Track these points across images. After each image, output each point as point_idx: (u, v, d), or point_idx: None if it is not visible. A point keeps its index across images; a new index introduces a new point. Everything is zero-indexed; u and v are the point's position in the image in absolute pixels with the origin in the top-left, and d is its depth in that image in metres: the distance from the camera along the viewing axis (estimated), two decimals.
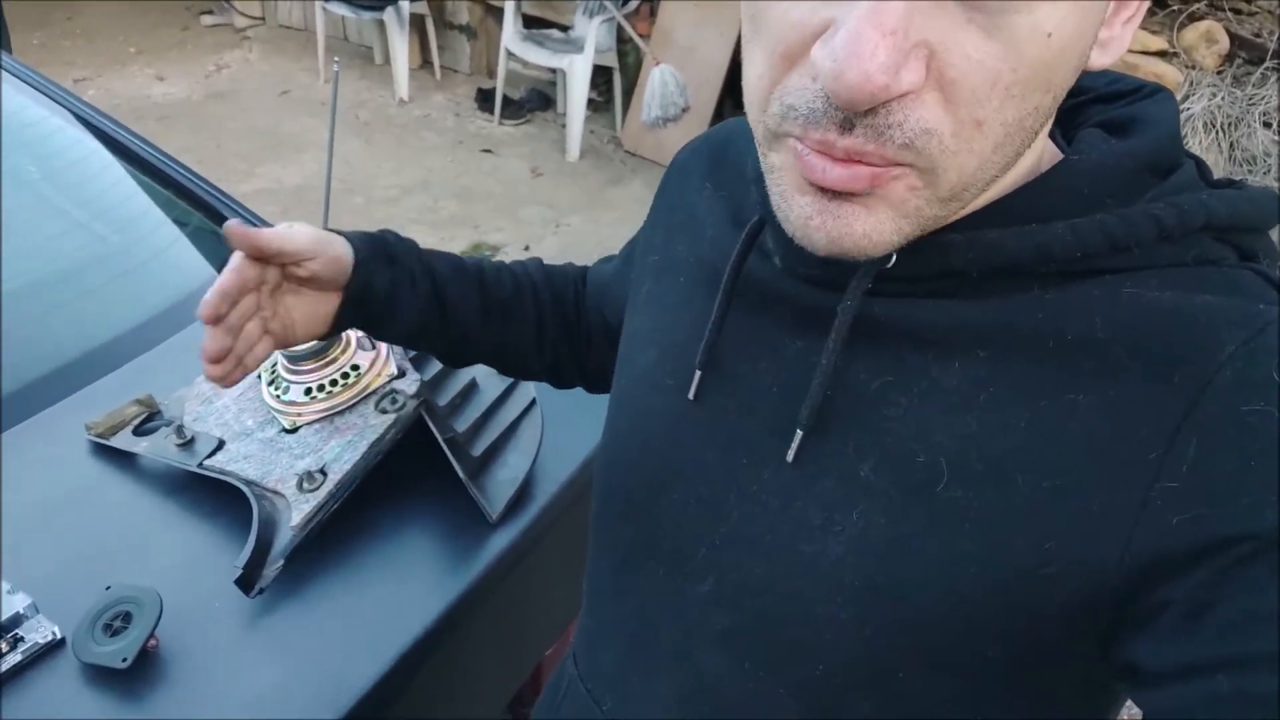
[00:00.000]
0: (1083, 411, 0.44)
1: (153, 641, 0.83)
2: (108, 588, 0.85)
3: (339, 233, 0.72)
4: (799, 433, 0.50)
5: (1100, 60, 0.44)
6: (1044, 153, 0.49)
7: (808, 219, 0.44)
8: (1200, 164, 0.51)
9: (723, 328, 0.56)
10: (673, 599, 0.57)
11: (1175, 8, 3.11)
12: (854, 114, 0.39)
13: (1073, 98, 0.54)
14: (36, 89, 1.45)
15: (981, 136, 0.40)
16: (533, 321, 0.81)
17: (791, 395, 0.51)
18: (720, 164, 0.64)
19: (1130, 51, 3.07)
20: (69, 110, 1.46)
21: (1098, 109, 0.53)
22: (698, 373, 0.56)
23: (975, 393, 0.46)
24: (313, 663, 0.86)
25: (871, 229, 0.43)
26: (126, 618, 0.84)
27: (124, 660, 0.81)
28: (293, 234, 0.67)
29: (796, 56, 0.41)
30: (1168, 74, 3.02)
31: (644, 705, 0.60)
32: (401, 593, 0.94)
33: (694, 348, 0.57)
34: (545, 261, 0.86)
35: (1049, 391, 0.45)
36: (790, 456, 0.51)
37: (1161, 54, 3.08)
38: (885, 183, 0.41)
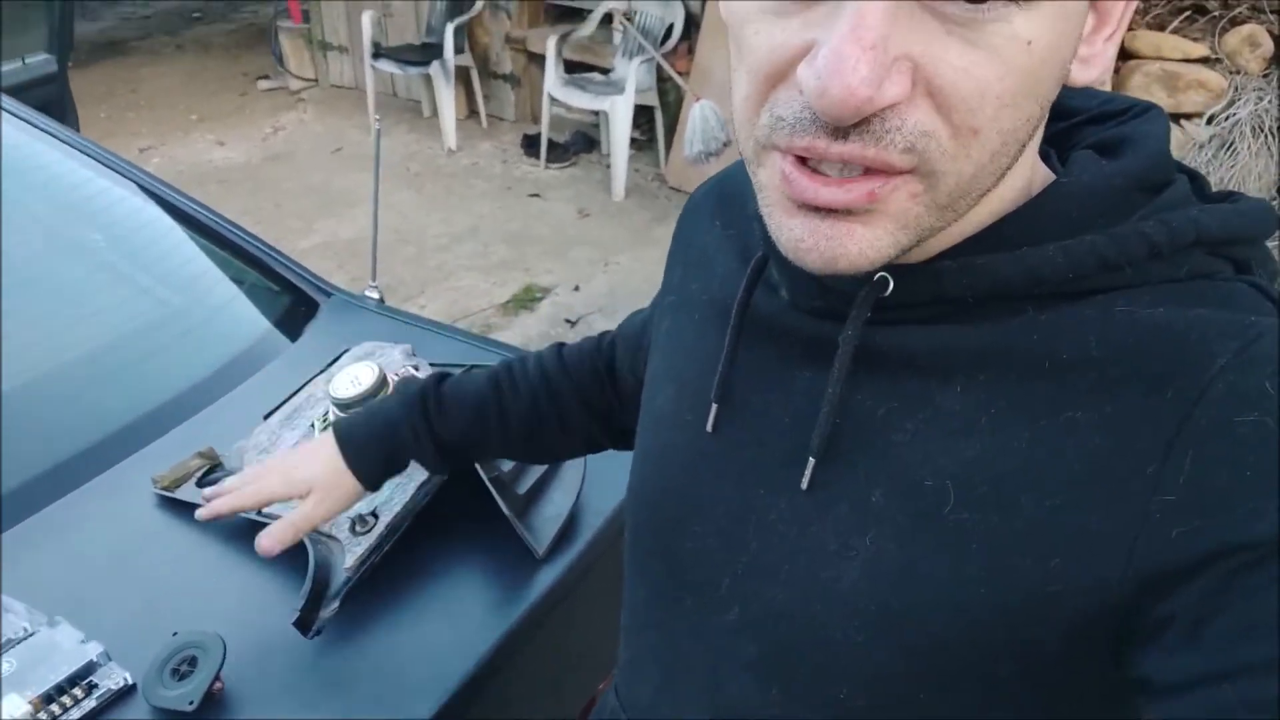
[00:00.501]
0: (1081, 429, 0.44)
1: (218, 684, 0.87)
2: (174, 634, 0.89)
3: (348, 451, 0.85)
4: (811, 460, 0.51)
5: (1083, 76, 0.45)
6: (1035, 175, 0.50)
7: (799, 241, 0.45)
8: (1196, 178, 0.52)
9: (734, 361, 0.57)
10: (701, 629, 0.59)
11: (1216, 13, 3.07)
12: (851, 127, 0.40)
13: (1066, 120, 0.55)
14: (99, 161, 1.53)
15: (979, 144, 0.41)
16: (554, 422, 0.86)
17: (802, 425, 0.53)
18: (727, 203, 0.66)
19: (1172, 60, 3.04)
20: (129, 179, 1.53)
21: (1090, 130, 0.54)
22: (714, 405, 0.58)
23: (977, 415, 0.47)
24: (369, 701, 0.89)
25: (868, 245, 0.43)
26: (193, 662, 0.87)
27: (190, 704, 0.84)
28: (249, 496, 0.87)
29: (781, 78, 0.42)
30: (1211, 80, 2.98)
31: None
32: (452, 630, 0.96)
33: (708, 383, 0.58)
34: (570, 341, 0.91)
35: (1048, 411, 0.45)
36: (804, 484, 0.52)
37: (1204, 60, 3.04)
38: (886, 195, 0.42)
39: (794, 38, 0.41)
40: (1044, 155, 0.52)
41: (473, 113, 5.14)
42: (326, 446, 0.86)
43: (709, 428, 0.58)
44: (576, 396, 0.86)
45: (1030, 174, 0.49)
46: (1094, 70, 0.45)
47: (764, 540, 0.54)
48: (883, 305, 0.49)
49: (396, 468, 0.86)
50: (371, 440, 0.85)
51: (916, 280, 0.48)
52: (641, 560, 0.65)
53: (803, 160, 0.43)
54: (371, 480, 0.86)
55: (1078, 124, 0.55)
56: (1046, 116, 0.45)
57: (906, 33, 0.39)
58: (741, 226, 0.63)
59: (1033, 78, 0.41)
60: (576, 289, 3.63)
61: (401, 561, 1.01)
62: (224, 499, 0.89)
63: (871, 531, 0.49)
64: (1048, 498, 0.45)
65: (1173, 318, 0.44)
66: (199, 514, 0.89)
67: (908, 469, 0.49)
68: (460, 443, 0.86)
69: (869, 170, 0.42)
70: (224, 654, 0.87)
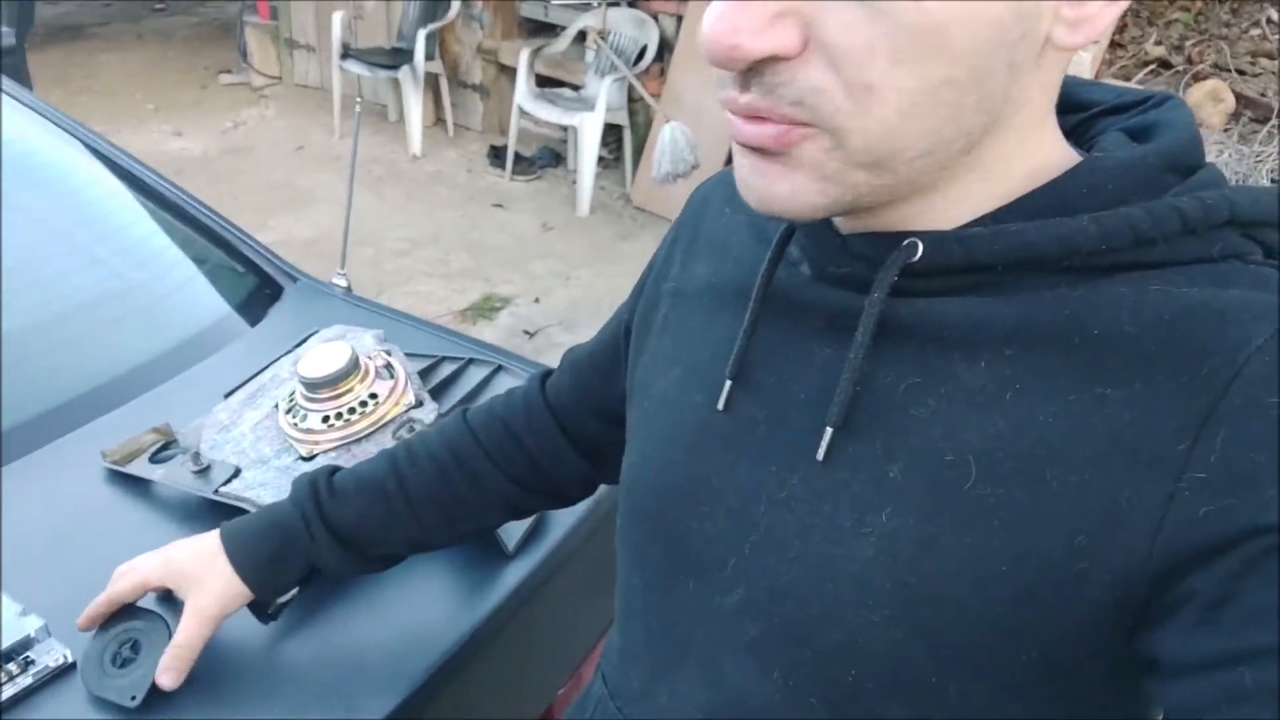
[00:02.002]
0: (1110, 406, 0.43)
1: None
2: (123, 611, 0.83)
3: (230, 540, 0.78)
4: (829, 430, 0.50)
5: (1071, 39, 0.43)
6: (1058, 154, 0.49)
7: (744, 179, 0.47)
8: (1221, 173, 0.51)
9: (751, 338, 0.56)
10: (702, 613, 0.57)
11: (1180, 68, 3.16)
12: (749, 76, 0.43)
13: (1081, 111, 0.54)
14: (65, 130, 1.47)
15: (878, 102, 0.41)
16: (465, 488, 0.79)
17: (820, 400, 0.51)
18: None
19: None
20: (91, 149, 1.48)
21: (1110, 121, 0.53)
22: (728, 382, 0.56)
23: (1001, 391, 0.46)
24: (326, 692, 0.84)
25: (796, 189, 0.45)
26: (135, 646, 0.82)
27: (133, 699, 0.79)
28: (121, 592, 0.81)
29: None
30: None
31: None
32: (416, 624, 0.93)
33: (721, 363, 0.57)
34: (477, 404, 0.85)
35: (1076, 387, 0.44)
36: (820, 455, 0.50)
37: None
38: (796, 143, 0.44)
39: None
40: None
41: (439, 120, 5.11)
42: (211, 541, 0.79)
43: (721, 406, 0.56)
44: (492, 463, 0.79)
45: (1052, 150, 0.48)
46: (1084, 34, 0.43)
47: (775, 517, 0.52)
48: (910, 273, 0.48)
49: (289, 572, 0.78)
50: (259, 533, 0.78)
51: (946, 246, 0.47)
52: (640, 544, 0.62)
53: None
54: (260, 581, 0.78)
55: (1094, 115, 0.54)
56: (1006, 86, 0.43)
57: None
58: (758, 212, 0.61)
59: (934, 35, 0.40)
60: (537, 301, 3.60)
61: None
62: (97, 601, 0.82)
63: (889, 507, 0.48)
64: (1074, 473, 0.43)
65: (1208, 297, 0.43)
66: (79, 623, 0.82)
67: (928, 443, 0.47)
68: (360, 530, 0.78)
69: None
70: (168, 641, 0.82)
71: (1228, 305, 0.43)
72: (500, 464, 0.79)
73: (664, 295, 0.66)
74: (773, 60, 0.42)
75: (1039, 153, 0.48)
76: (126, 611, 0.83)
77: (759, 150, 0.45)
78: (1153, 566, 0.42)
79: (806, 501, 0.51)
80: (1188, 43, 3.25)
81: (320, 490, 0.78)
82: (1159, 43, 3.32)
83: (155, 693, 0.80)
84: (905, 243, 0.47)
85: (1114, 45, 3.36)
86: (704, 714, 0.57)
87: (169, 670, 0.77)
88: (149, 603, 0.85)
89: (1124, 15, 3.42)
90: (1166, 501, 0.41)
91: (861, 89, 0.41)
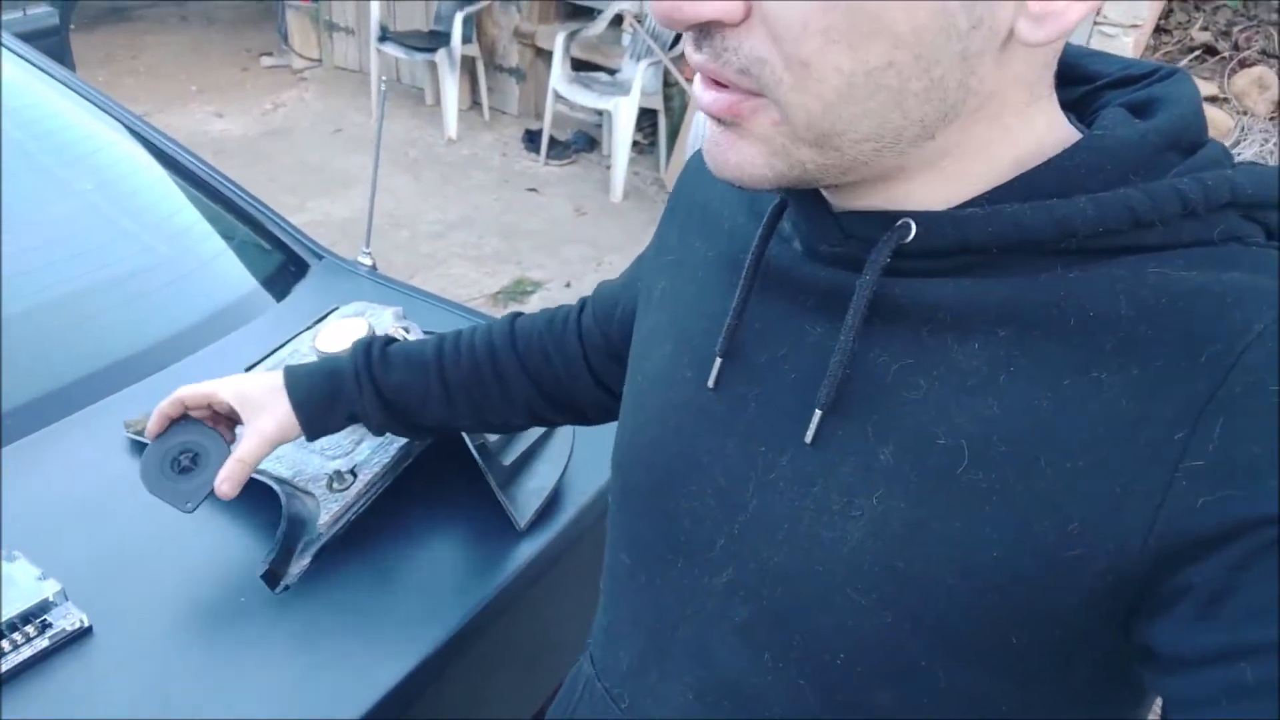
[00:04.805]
0: (1106, 391, 0.42)
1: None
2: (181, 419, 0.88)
3: (291, 379, 0.86)
4: (818, 413, 0.49)
5: (1034, 34, 0.41)
6: (1056, 132, 0.47)
7: (707, 147, 0.48)
8: (1225, 150, 0.50)
9: (743, 314, 0.55)
10: (690, 593, 0.56)
11: (1226, 54, 3.09)
12: (700, 36, 0.43)
13: (1085, 84, 0.53)
14: (96, 105, 1.49)
15: (815, 79, 0.41)
16: (495, 389, 0.86)
17: (811, 380, 0.50)
18: None
19: None
20: (128, 128, 1.50)
21: (1113, 94, 0.52)
22: (718, 360, 0.55)
23: (995, 374, 0.45)
24: (334, 662, 0.86)
25: (745, 160, 0.46)
26: (195, 459, 0.87)
27: (189, 506, 0.86)
28: (190, 395, 0.88)
29: None
30: (1219, 119, 2.99)
31: (661, 702, 0.59)
32: (425, 598, 0.93)
33: (712, 339, 0.56)
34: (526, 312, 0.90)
35: (1072, 371, 0.43)
36: (809, 438, 0.50)
37: (1212, 99, 3.05)
38: (748, 115, 0.44)
39: None
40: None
41: (475, 104, 5.12)
42: (274, 382, 0.86)
43: (711, 384, 0.56)
44: (521, 368, 0.85)
45: (1046, 134, 0.47)
46: (1049, 29, 0.41)
47: (764, 499, 0.52)
48: (904, 253, 0.47)
49: (336, 416, 0.86)
50: (317, 377, 0.86)
51: (940, 226, 0.46)
52: (629, 521, 0.62)
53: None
54: (311, 416, 0.85)
55: (1099, 88, 0.53)
56: (969, 76, 0.42)
57: None
58: None
59: (869, 18, 0.39)
60: (568, 285, 3.61)
61: (379, 523, 0.98)
62: (166, 401, 0.89)
63: (879, 490, 0.47)
64: (1069, 459, 0.43)
65: (1208, 281, 0.42)
66: (149, 428, 0.90)
67: (920, 427, 0.46)
68: (399, 397, 0.85)
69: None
70: (227, 456, 0.86)
71: (1227, 290, 0.42)
72: (530, 373, 0.85)
73: (664, 268, 0.65)
74: (719, 24, 0.42)
75: (1026, 139, 0.46)
76: (188, 426, 0.88)
77: (719, 120, 0.46)
78: (1148, 555, 0.41)
79: (795, 483, 0.50)
80: (1235, 28, 3.18)
81: (373, 354, 0.85)
82: (1205, 28, 3.24)
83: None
84: (899, 223, 0.46)
85: (1158, 30, 3.29)
86: (693, 693, 0.57)
87: (229, 480, 0.84)
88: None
89: (1169, 0, 3.35)
90: (1163, 490, 0.40)
91: (799, 64, 0.41)
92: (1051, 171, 0.46)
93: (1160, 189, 0.44)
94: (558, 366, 0.84)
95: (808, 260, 0.53)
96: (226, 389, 0.87)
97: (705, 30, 0.43)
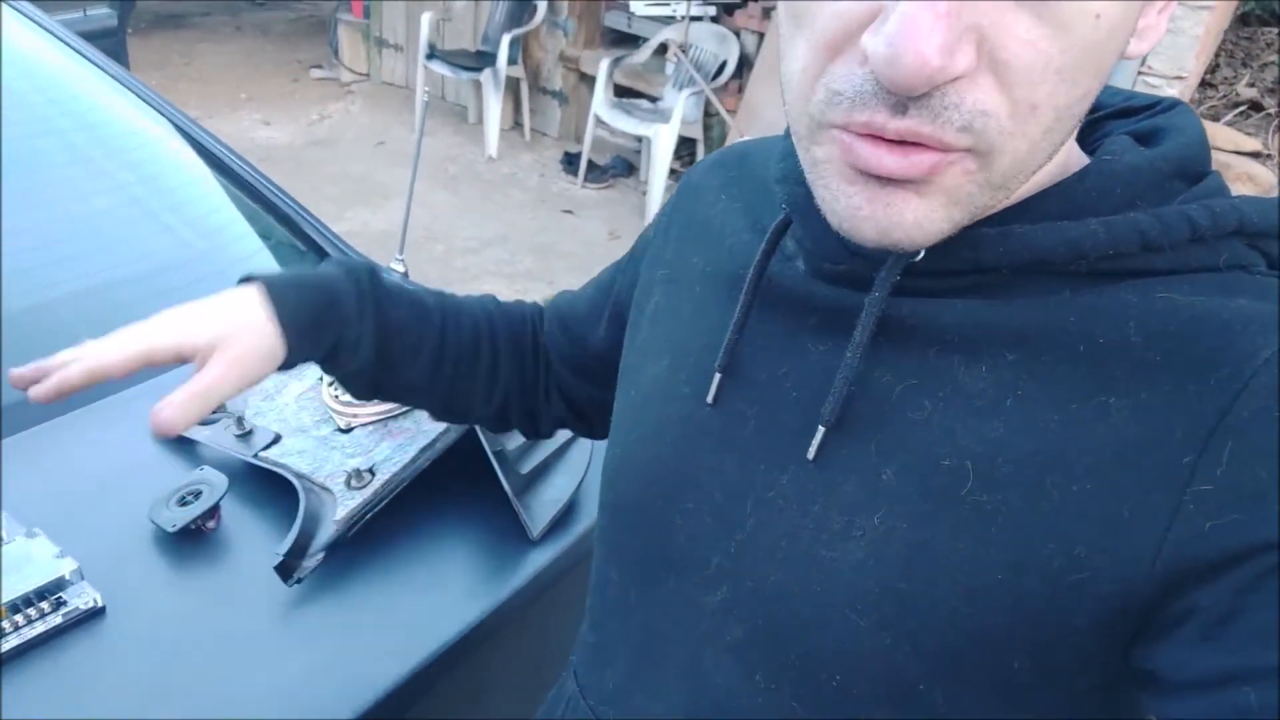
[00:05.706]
0: (1114, 415, 0.42)
1: (211, 524, 0.95)
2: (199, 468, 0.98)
3: (275, 290, 0.65)
4: (821, 429, 0.49)
5: (1138, 48, 0.43)
6: (1070, 156, 0.48)
7: (856, 210, 0.43)
8: (1224, 181, 0.50)
9: (743, 330, 0.55)
10: (683, 611, 0.55)
11: (1271, 111, 3.06)
12: (908, 101, 0.39)
13: (1090, 113, 0.53)
14: (144, 100, 1.53)
15: (1035, 120, 0.40)
16: (486, 366, 0.77)
17: (813, 398, 0.50)
18: (737, 176, 0.63)
19: (1223, 150, 3.03)
20: (176, 126, 1.53)
21: (1117, 124, 0.52)
22: (717, 376, 0.55)
23: (1002, 396, 0.45)
24: (341, 657, 0.86)
25: (923, 217, 0.42)
26: (197, 494, 0.95)
27: (173, 527, 0.92)
28: (100, 364, 0.63)
29: (841, 47, 0.40)
30: (1261, 175, 2.97)
31: None
32: (435, 599, 0.94)
33: (711, 355, 0.56)
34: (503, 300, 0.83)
35: (1079, 395, 0.43)
36: (811, 454, 0.49)
37: (1255, 154, 3.03)
38: (943, 169, 0.40)
39: (858, 4, 0.39)
40: None
41: (517, 124, 5.18)
42: (242, 294, 0.65)
43: (710, 400, 0.55)
44: (509, 349, 0.78)
45: (1067, 153, 0.47)
46: (1148, 42, 0.44)
47: (762, 517, 0.51)
48: (912, 272, 0.47)
49: (321, 342, 0.67)
50: (306, 289, 0.66)
51: (953, 246, 0.45)
52: (621, 538, 0.61)
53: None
54: (298, 336, 0.65)
55: (1101, 118, 0.53)
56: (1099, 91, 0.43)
57: (977, 1, 0.37)
58: (753, 199, 0.60)
59: (1096, 51, 0.39)
60: None
61: (393, 523, 0.99)
62: (75, 366, 0.63)
63: (881, 510, 0.47)
64: (1075, 482, 0.42)
65: (1215, 307, 0.43)
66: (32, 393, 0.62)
67: (924, 447, 0.46)
68: (396, 340, 0.71)
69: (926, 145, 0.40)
70: (225, 492, 0.95)
71: (1234, 316, 0.42)
72: (516, 354, 0.79)
73: (657, 282, 0.64)
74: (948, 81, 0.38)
75: (1060, 154, 0.46)
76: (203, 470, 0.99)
77: (884, 178, 0.41)
78: (1155, 579, 0.41)
79: (796, 502, 0.50)
80: None
81: (377, 278, 0.71)
82: (1251, 84, 3.22)
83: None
84: None
85: (1204, 85, 3.27)
86: (683, 715, 0.56)
87: (172, 406, 0.61)
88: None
89: (1216, 55, 3.34)
90: (1171, 513, 0.40)
91: (1027, 109, 0.39)
92: (1062, 195, 0.46)
93: (1170, 214, 0.44)
94: (535, 351, 0.80)
95: (811, 279, 0.52)
96: (197, 333, 0.63)
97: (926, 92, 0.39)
